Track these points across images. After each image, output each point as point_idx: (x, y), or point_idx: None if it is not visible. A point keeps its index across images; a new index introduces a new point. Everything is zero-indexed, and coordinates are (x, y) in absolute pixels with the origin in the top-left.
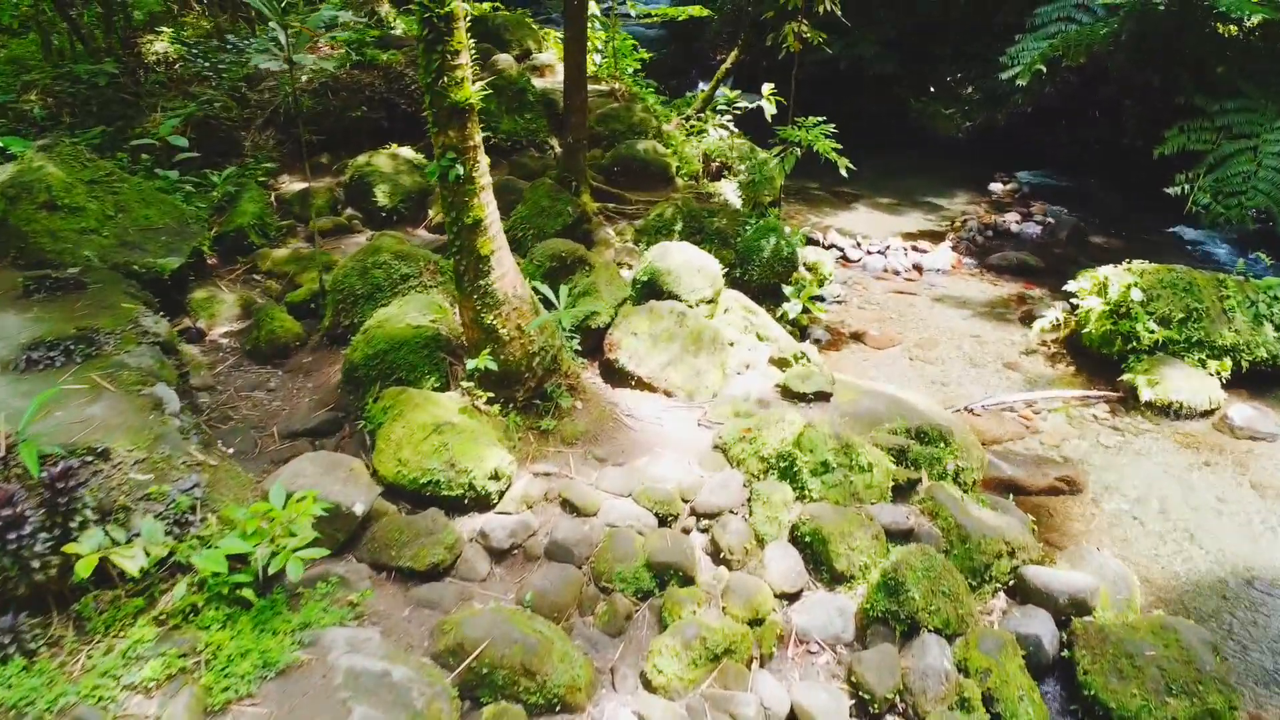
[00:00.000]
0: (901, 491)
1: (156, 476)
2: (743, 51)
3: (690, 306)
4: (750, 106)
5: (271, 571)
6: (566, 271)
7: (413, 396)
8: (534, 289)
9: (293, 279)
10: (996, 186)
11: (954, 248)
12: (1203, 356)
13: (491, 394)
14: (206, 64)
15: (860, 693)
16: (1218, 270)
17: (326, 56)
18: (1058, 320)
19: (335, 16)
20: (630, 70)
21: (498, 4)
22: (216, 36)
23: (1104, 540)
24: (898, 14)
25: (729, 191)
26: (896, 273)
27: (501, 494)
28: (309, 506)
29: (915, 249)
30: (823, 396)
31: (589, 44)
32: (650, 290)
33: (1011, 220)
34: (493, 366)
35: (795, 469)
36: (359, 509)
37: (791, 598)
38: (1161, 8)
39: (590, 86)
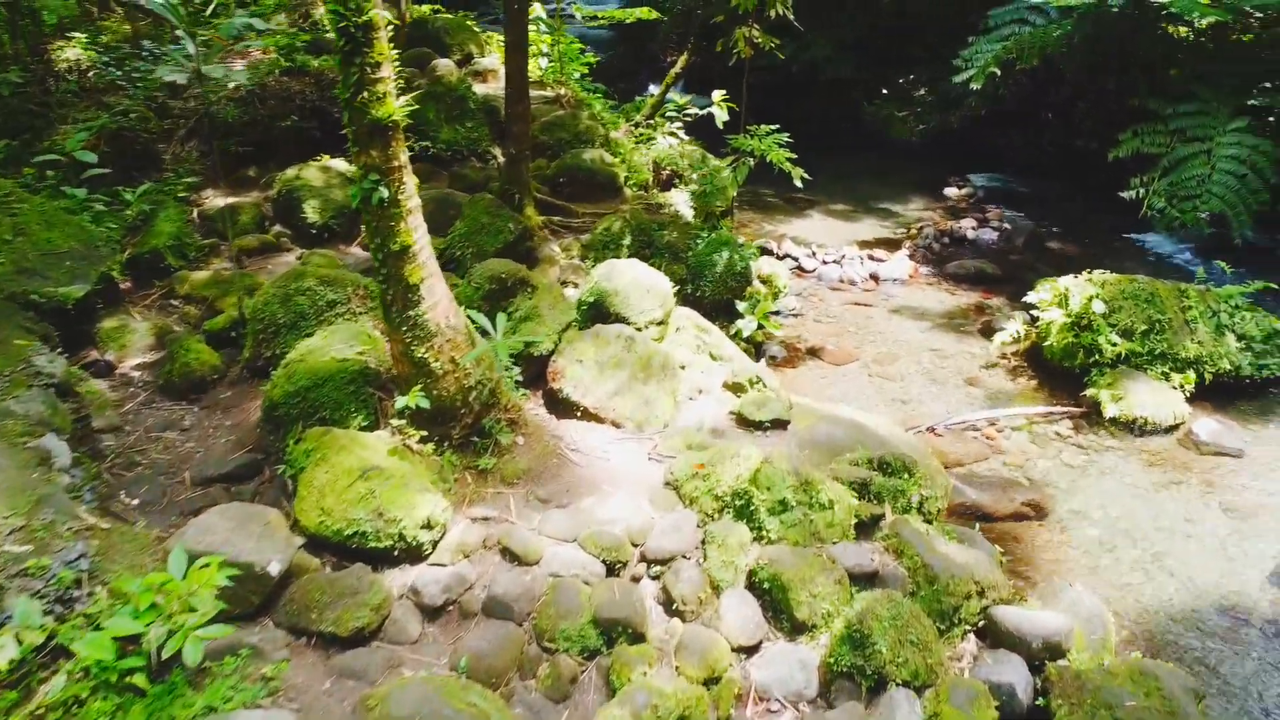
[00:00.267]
0: (865, 528)
1: (36, 548)
2: (692, 55)
3: (639, 329)
4: (701, 113)
5: (166, 655)
6: (507, 294)
7: (338, 438)
8: (470, 318)
9: (213, 304)
10: (951, 191)
11: (911, 256)
12: (1166, 369)
13: (425, 432)
14: (120, 73)
15: None
16: (1178, 276)
17: (256, 63)
18: (1018, 333)
19: (249, 24)
20: (577, 75)
21: (438, 6)
22: (134, 43)
23: (1073, 570)
24: (856, 17)
25: (680, 202)
26: (853, 283)
27: (435, 544)
28: (212, 575)
29: (872, 258)
30: (780, 424)
31: (533, 48)
32: (596, 313)
33: (968, 226)
34: (425, 404)
35: (752, 508)
36: (275, 569)
37: (750, 650)
38: (1115, 9)
39: (534, 93)
